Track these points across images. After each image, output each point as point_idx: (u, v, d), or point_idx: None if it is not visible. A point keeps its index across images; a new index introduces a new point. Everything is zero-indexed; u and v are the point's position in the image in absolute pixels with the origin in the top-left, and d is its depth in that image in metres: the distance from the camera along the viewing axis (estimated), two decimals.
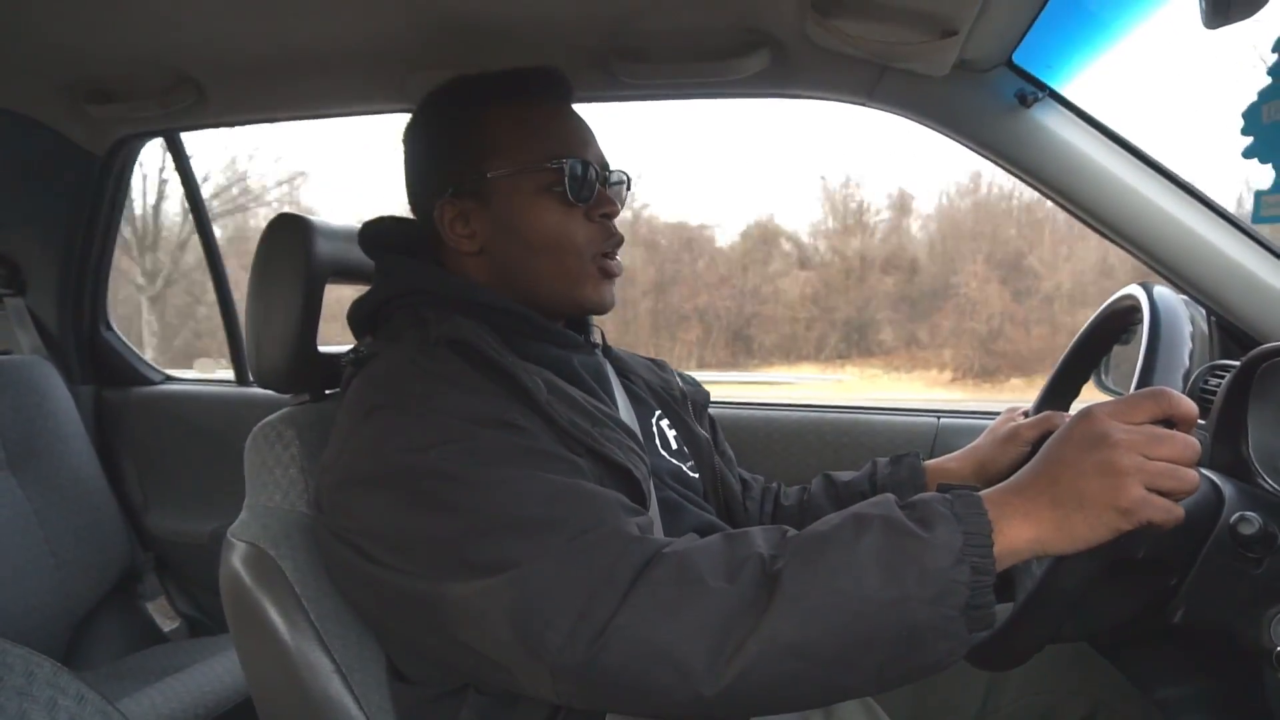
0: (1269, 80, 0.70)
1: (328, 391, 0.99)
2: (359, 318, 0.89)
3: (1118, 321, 0.99)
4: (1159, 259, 1.04)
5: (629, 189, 0.94)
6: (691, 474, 0.94)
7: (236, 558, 0.82)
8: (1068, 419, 0.70)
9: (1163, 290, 0.86)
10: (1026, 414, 1.04)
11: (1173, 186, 1.04)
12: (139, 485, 1.84)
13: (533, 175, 0.84)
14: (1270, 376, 0.79)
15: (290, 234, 0.95)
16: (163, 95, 1.36)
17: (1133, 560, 0.67)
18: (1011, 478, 0.64)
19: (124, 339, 1.90)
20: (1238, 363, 0.83)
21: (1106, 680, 0.92)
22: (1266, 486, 0.76)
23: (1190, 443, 0.59)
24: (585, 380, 0.86)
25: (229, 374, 1.92)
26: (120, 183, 1.74)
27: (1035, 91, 1.05)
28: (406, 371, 0.76)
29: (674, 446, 0.96)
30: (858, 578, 0.58)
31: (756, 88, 1.20)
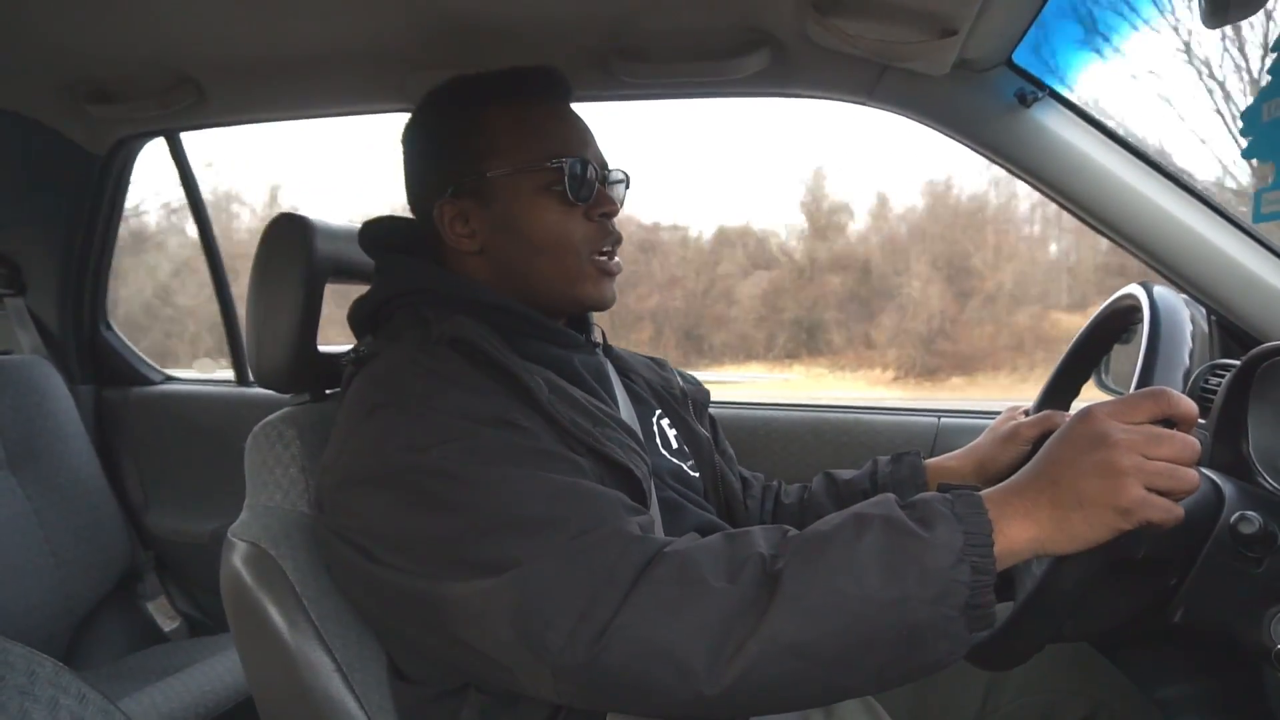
0: (1269, 79, 0.70)
1: (328, 391, 1.00)
2: (359, 317, 0.89)
3: (1118, 321, 0.99)
4: (1159, 258, 1.04)
5: (628, 188, 0.94)
6: (692, 473, 0.95)
7: (237, 557, 0.82)
8: (1068, 418, 0.70)
9: (1163, 290, 0.86)
10: (1027, 413, 1.04)
11: (1172, 186, 1.04)
12: (139, 485, 1.84)
13: (532, 175, 0.84)
14: (1270, 376, 0.79)
15: (290, 234, 0.95)
16: (163, 95, 1.36)
17: (1133, 560, 0.67)
18: (1011, 477, 0.64)
19: (124, 339, 1.90)
20: (1238, 362, 0.83)
21: (1107, 680, 0.92)
22: (1266, 486, 0.76)
23: (1190, 442, 0.59)
24: (586, 380, 0.86)
25: (229, 374, 1.92)
26: (120, 183, 1.74)
27: (1035, 91, 1.05)
28: (408, 370, 0.76)
29: (674, 446, 0.96)
30: (858, 577, 0.58)
31: (757, 87, 1.20)
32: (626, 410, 0.91)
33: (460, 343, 0.77)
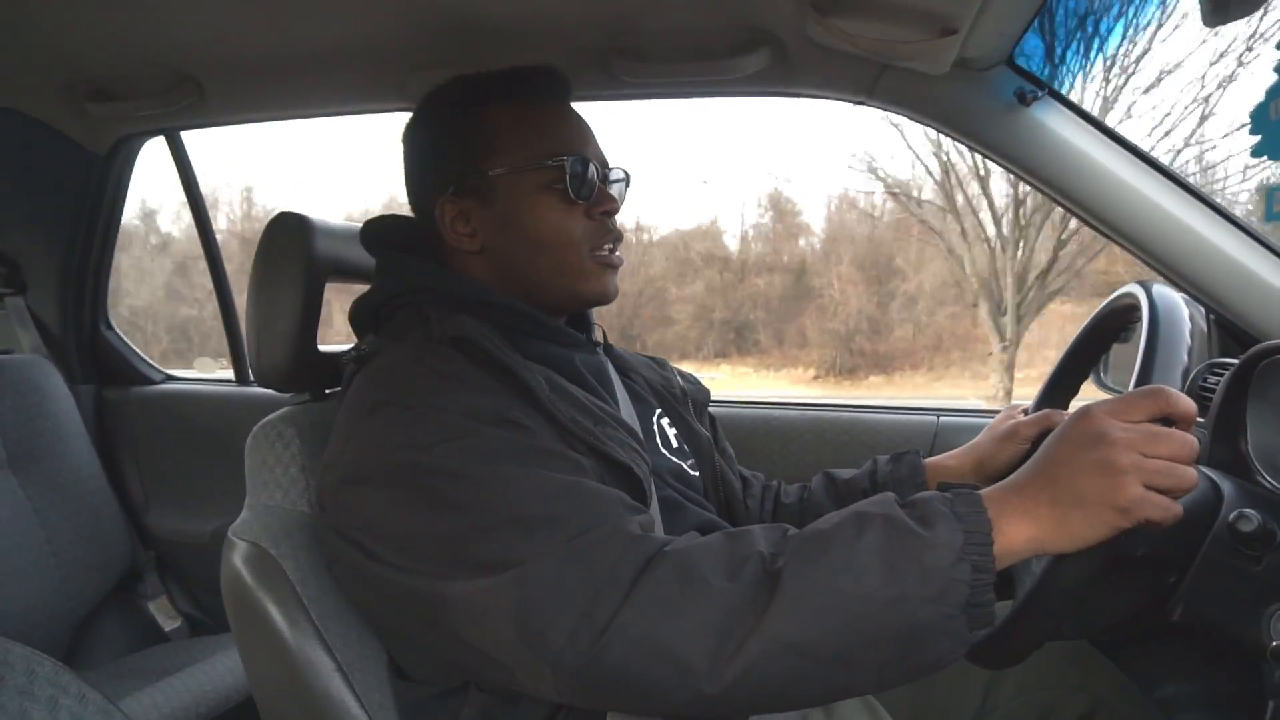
0: (1276, 78, 0.70)
1: (328, 390, 1.00)
2: (361, 316, 0.89)
3: (1117, 319, 0.99)
4: (1158, 257, 1.04)
5: (628, 187, 0.94)
6: (692, 472, 0.95)
7: (238, 557, 0.82)
8: (1066, 417, 0.70)
9: (1162, 288, 0.86)
10: (1026, 412, 1.04)
11: (1171, 185, 1.04)
12: (140, 484, 1.84)
13: (533, 173, 0.84)
14: (1269, 374, 0.79)
15: (290, 233, 0.95)
16: (163, 94, 1.36)
17: (1132, 558, 0.67)
18: (1011, 476, 0.64)
19: (124, 338, 1.90)
20: (1236, 360, 0.83)
21: (1106, 677, 0.93)
22: (1265, 484, 0.76)
23: (1189, 440, 0.60)
24: (587, 379, 0.86)
25: (229, 373, 1.92)
26: (121, 182, 1.74)
27: (1034, 90, 1.05)
28: (410, 369, 0.76)
29: (674, 445, 0.96)
30: (858, 576, 0.59)
31: (756, 86, 1.20)
32: (627, 409, 0.91)
33: (462, 341, 0.77)
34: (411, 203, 0.92)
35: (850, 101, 1.18)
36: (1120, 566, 0.67)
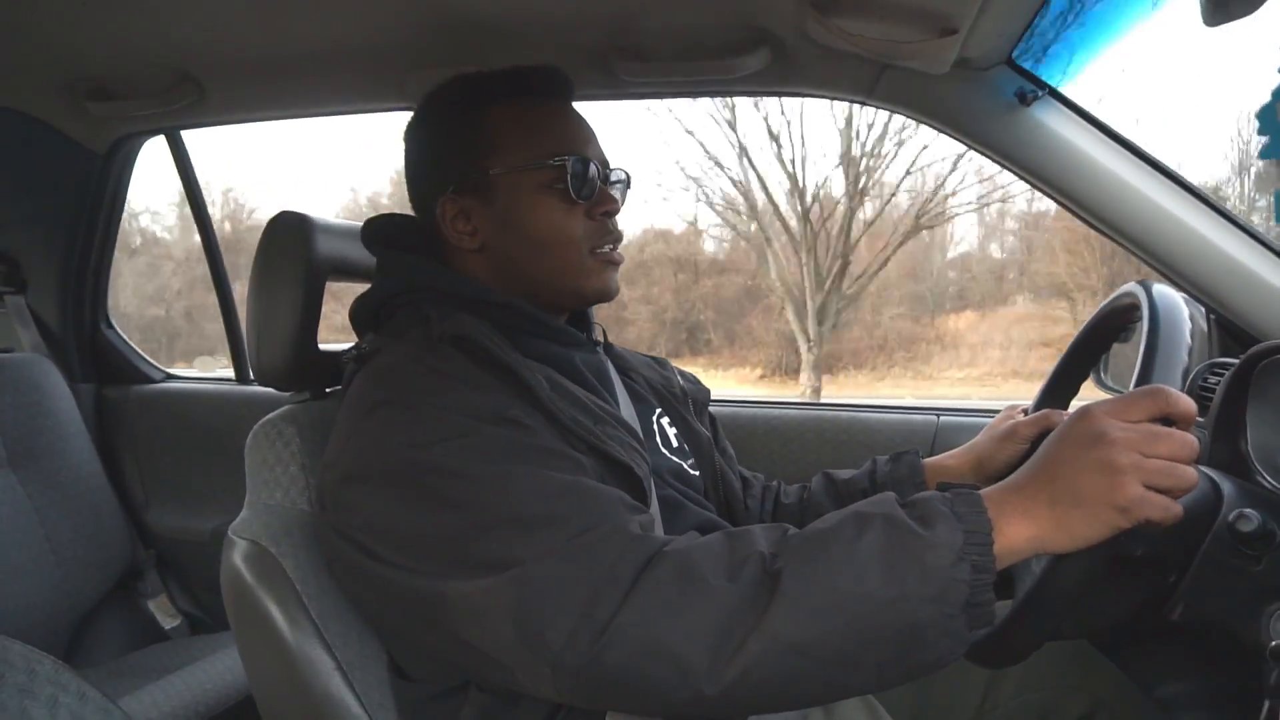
0: None
1: (328, 389, 1.00)
2: (361, 314, 0.89)
3: (1117, 319, 0.99)
4: (1158, 257, 1.04)
5: (629, 187, 0.94)
6: (692, 471, 0.95)
7: (238, 555, 0.82)
8: (1066, 417, 0.70)
9: (1162, 288, 0.86)
10: (1026, 412, 1.04)
11: (1172, 185, 1.04)
12: (140, 483, 1.84)
13: (534, 172, 0.84)
14: (1269, 374, 0.79)
15: (290, 232, 0.95)
16: (163, 93, 1.36)
17: (1132, 558, 0.67)
18: (1010, 476, 0.64)
19: (124, 337, 1.90)
20: (1236, 360, 0.83)
21: (1106, 677, 0.93)
22: (1265, 484, 0.76)
23: (1189, 440, 0.60)
24: (587, 378, 0.86)
25: (229, 372, 1.92)
26: (121, 180, 1.74)
27: (1035, 90, 1.05)
28: (410, 368, 0.76)
29: (674, 444, 0.96)
30: (858, 576, 0.59)
31: (757, 86, 1.20)
32: (627, 408, 0.91)
33: (462, 340, 0.77)
34: (412, 201, 0.92)
35: (851, 101, 1.18)
36: (1120, 566, 0.67)
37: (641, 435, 0.85)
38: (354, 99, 1.38)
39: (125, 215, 1.81)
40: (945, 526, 0.59)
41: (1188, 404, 0.61)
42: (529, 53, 0.94)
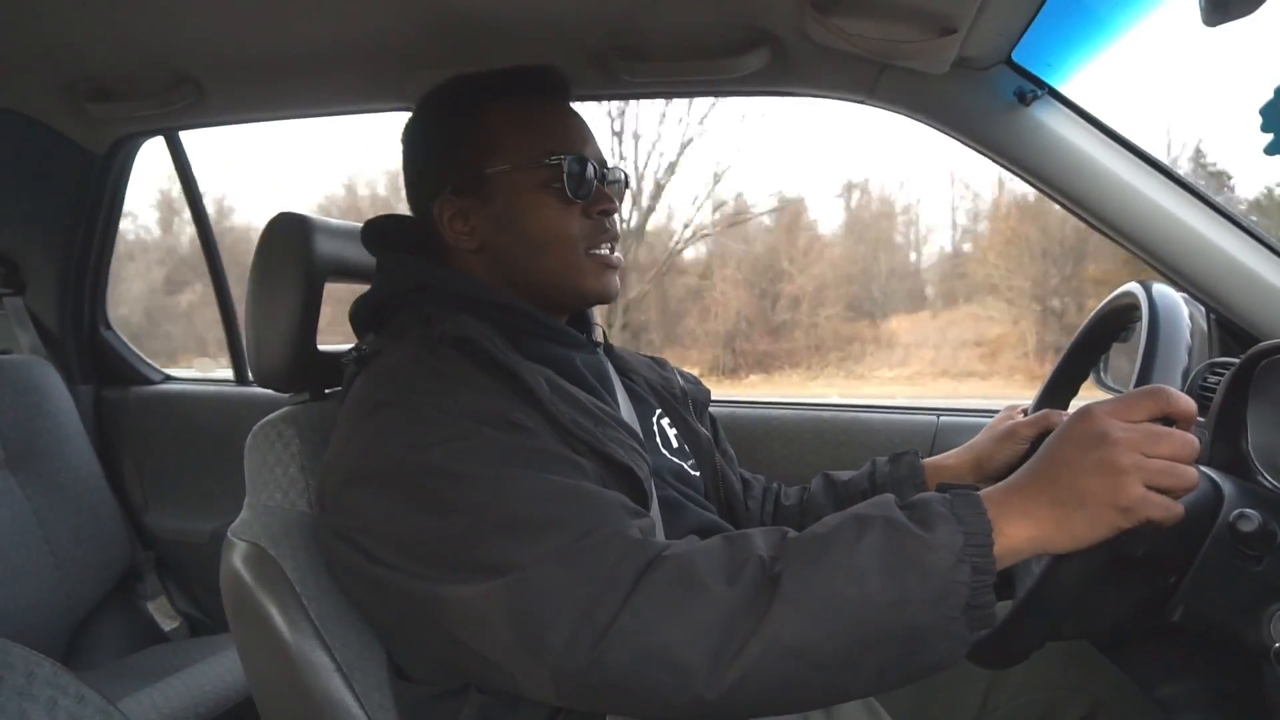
0: None
1: (328, 390, 1.00)
2: (361, 315, 0.89)
3: (1117, 319, 0.99)
4: (1158, 256, 1.04)
5: (627, 187, 0.94)
6: (693, 472, 0.95)
7: (237, 557, 0.82)
8: (1066, 417, 0.69)
9: (1162, 288, 0.86)
10: (1025, 412, 1.04)
11: (1172, 184, 1.04)
12: (139, 485, 1.83)
13: (531, 172, 0.84)
14: (1269, 374, 0.79)
15: (290, 233, 0.95)
16: (163, 94, 1.36)
17: (1132, 558, 0.67)
18: (1011, 476, 0.64)
19: (123, 338, 1.89)
20: (1237, 360, 0.83)
21: (1107, 678, 0.92)
22: (1266, 484, 0.76)
23: (1189, 440, 0.59)
24: (587, 379, 0.86)
25: (228, 373, 1.91)
26: (120, 182, 1.74)
27: (1035, 89, 1.04)
28: (412, 369, 0.76)
29: (675, 445, 0.96)
30: (858, 579, 0.58)
31: (756, 86, 1.20)
32: (627, 410, 0.91)
33: (463, 342, 0.77)
34: (411, 202, 0.92)
35: (850, 101, 1.18)
36: (1121, 566, 0.67)
37: (642, 436, 0.85)
38: (354, 99, 1.38)
39: None
40: (945, 528, 0.59)
41: (1188, 404, 0.61)
42: (529, 53, 0.94)
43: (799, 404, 1.50)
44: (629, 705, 0.62)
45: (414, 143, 0.91)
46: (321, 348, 0.97)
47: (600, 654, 0.59)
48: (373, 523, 0.70)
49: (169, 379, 1.91)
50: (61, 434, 1.62)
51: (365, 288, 0.91)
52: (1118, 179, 1.04)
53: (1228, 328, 1.04)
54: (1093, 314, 1.03)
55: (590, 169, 0.86)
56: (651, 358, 1.08)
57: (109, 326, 1.87)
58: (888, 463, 1.03)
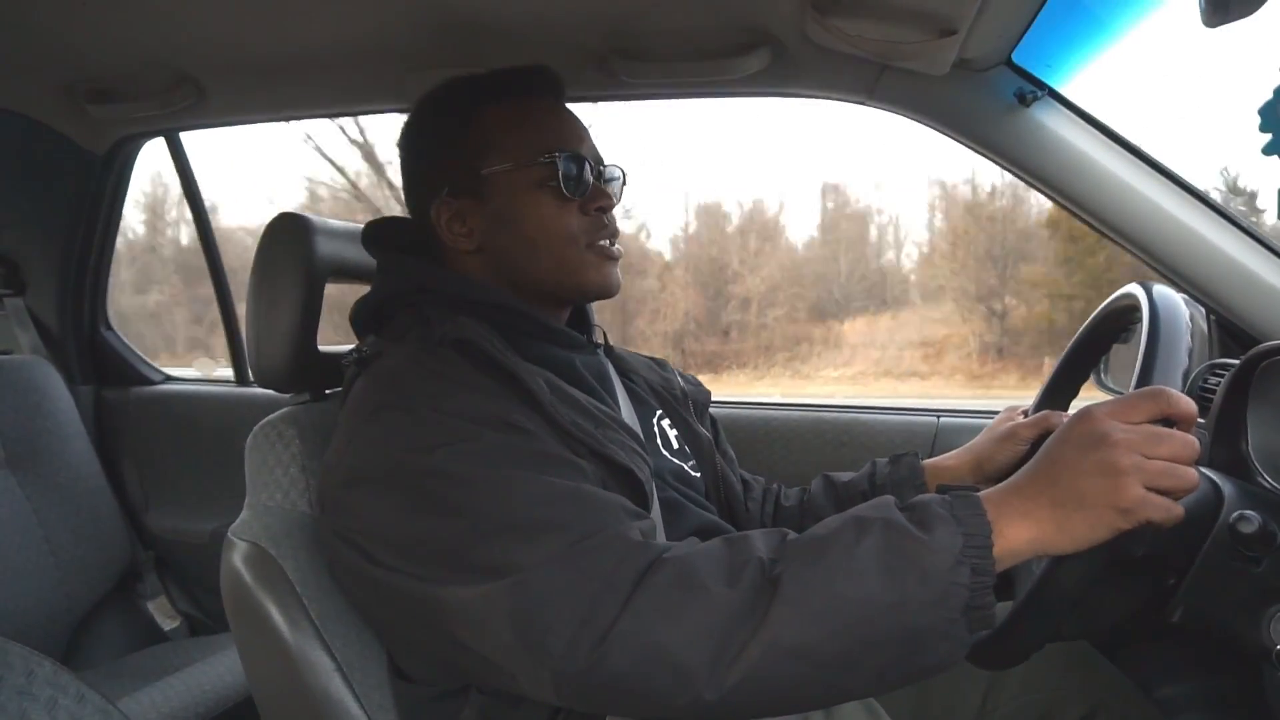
0: None
1: (328, 391, 1.00)
2: (362, 317, 0.89)
3: (1117, 320, 0.99)
4: (1158, 258, 1.04)
5: (624, 184, 0.94)
6: (693, 473, 0.95)
7: (237, 557, 0.82)
8: (1066, 418, 0.69)
9: (1162, 289, 0.86)
10: (1025, 413, 1.04)
11: (1172, 185, 1.04)
12: (139, 485, 1.83)
13: (527, 170, 0.85)
14: (1270, 375, 0.79)
15: (290, 233, 0.95)
16: (163, 95, 1.36)
17: (1132, 559, 0.67)
18: (1011, 478, 0.64)
19: (124, 339, 1.90)
20: (1237, 361, 0.83)
21: (1106, 679, 0.92)
22: (1266, 485, 0.76)
23: (1189, 441, 0.59)
24: (587, 381, 0.86)
25: (229, 373, 1.92)
26: (120, 182, 1.74)
27: (1035, 90, 1.05)
28: (412, 372, 0.76)
29: (675, 446, 0.96)
30: (858, 580, 0.58)
31: (756, 87, 1.20)
32: (627, 411, 0.91)
33: (463, 344, 0.77)
34: (409, 205, 0.92)
35: (850, 102, 1.18)
36: (1120, 568, 0.66)
37: (642, 437, 0.85)
38: (354, 100, 1.38)
39: None
40: (944, 530, 0.59)
41: (1188, 405, 0.61)
42: (529, 53, 0.94)
43: (799, 405, 1.50)
44: (630, 706, 0.62)
45: (409, 148, 0.91)
46: (322, 348, 0.97)
47: (601, 655, 0.59)
48: (373, 524, 0.70)
49: (169, 379, 1.92)
50: (62, 434, 1.63)
51: (364, 288, 0.91)
52: (1118, 180, 1.04)
53: (1228, 329, 1.04)
54: (1093, 315, 1.03)
55: (586, 166, 0.86)
56: (652, 358, 1.08)
57: (109, 327, 1.87)
58: (888, 464, 1.03)
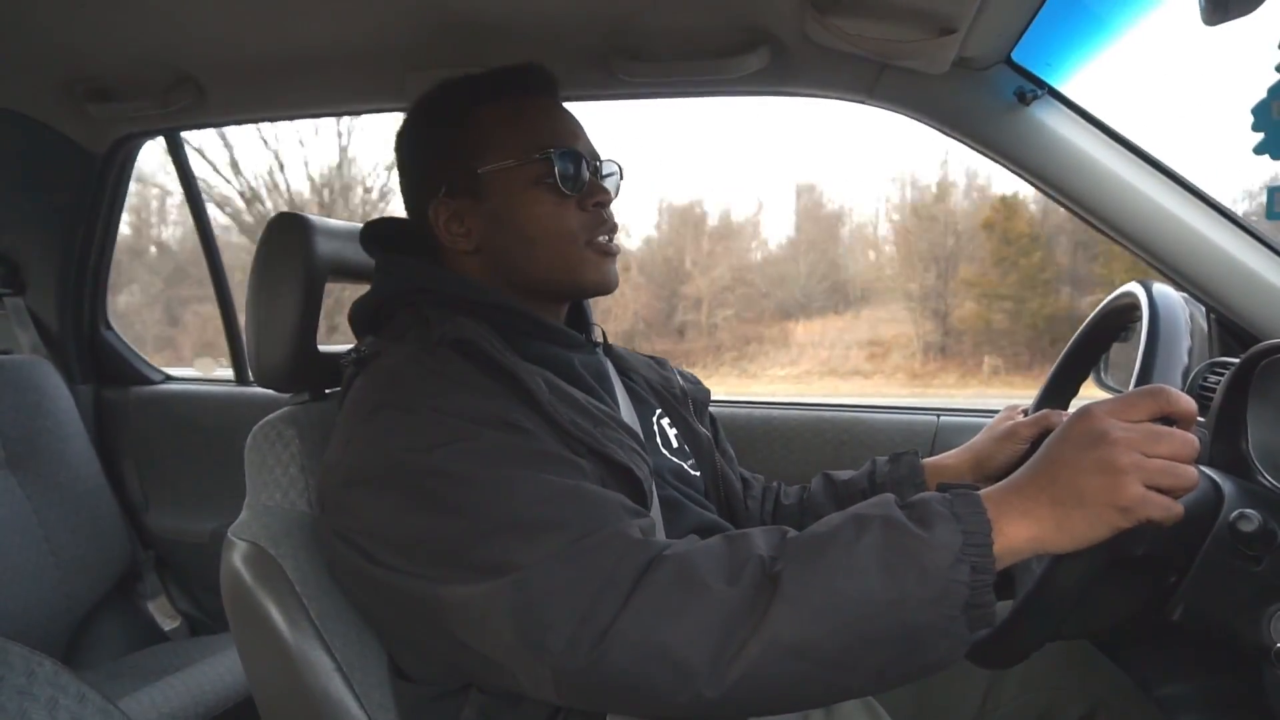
0: (1279, 76, 0.70)
1: (328, 391, 1.00)
2: (361, 317, 0.89)
3: (1117, 319, 0.99)
4: (1158, 256, 1.04)
5: (622, 180, 0.94)
6: (693, 472, 0.95)
7: (237, 556, 0.82)
8: (1066, 417, 0.69)
9: (1162, 288, 0.86)
10: (1025, 412, 1.04)
11: (1172, 184, 1.04)
12: (139, 484, 1.83)
13: (523, 168, 0.85)
14: (1269, 373, 0.79)
15: (290, 233, 0.95)
16: (163, 94, 1.36)
17: (1132, 558, 0.67)
18: (1010, 476, 0.64)
19: (124, 338, 1.90)
20: (1237, 360, 0.83)
21: (1106, 678, 0.93)
22: (1266, 483, 0.76)
23: (1189, 440, 0.59)
24: (586, 380, 0.86)
25: (229, 373, 1.92)
26: (120, 182, 1.74)
27: (1034, 89, 1.05)
28: (411, 371, 0.76)
29: (675, 445, 0.96)
30: (858, 578, 0.58)
31: (756, 86, 1.20)
32: (627, 410, 0.91)
33: (462, 343, 0.77)
34: (407, 206, 0.92)
35: (850, 101, 1.18)
36: (1120, 566, 0.66)
37: (642, 436, 0.85)
38: (353, 100, 1.38)
39: None
40: (944, 528, 0.59)
41: (1188, 403, 0.61)
42: (529, 53, 0.94)
43: (799, 404, 1.50)
44: (630, 705, 0.62)
45: (406, 149, 0.91)
46: (321, 348, 0.97)
47: (601, 654, 0.59)
48: (373, 524, 0.70)
49: (169, 379, 1.92)
50: (62, 434, 1.63)
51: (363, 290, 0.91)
52: (1118, 178, 1.04)
53: (1228, 328, 1.04)
54: (1093, 313, 1.03)
55: (582, 163, 0.86)
56: (651, 357, 1.08)
57: (109, 326, 1.87)
58: (887, 462, 1.03)
